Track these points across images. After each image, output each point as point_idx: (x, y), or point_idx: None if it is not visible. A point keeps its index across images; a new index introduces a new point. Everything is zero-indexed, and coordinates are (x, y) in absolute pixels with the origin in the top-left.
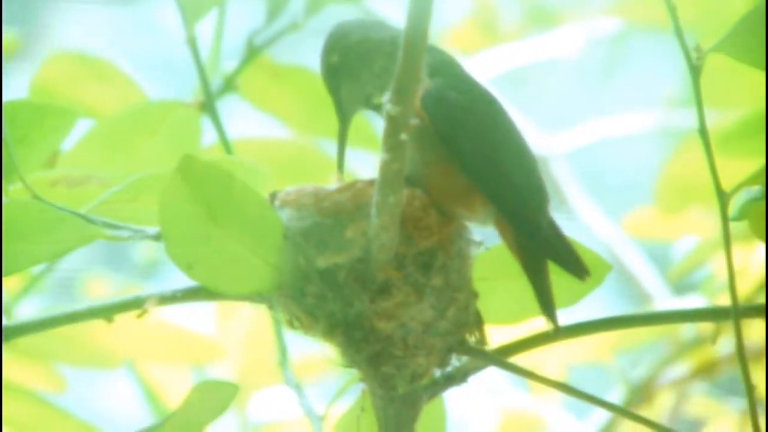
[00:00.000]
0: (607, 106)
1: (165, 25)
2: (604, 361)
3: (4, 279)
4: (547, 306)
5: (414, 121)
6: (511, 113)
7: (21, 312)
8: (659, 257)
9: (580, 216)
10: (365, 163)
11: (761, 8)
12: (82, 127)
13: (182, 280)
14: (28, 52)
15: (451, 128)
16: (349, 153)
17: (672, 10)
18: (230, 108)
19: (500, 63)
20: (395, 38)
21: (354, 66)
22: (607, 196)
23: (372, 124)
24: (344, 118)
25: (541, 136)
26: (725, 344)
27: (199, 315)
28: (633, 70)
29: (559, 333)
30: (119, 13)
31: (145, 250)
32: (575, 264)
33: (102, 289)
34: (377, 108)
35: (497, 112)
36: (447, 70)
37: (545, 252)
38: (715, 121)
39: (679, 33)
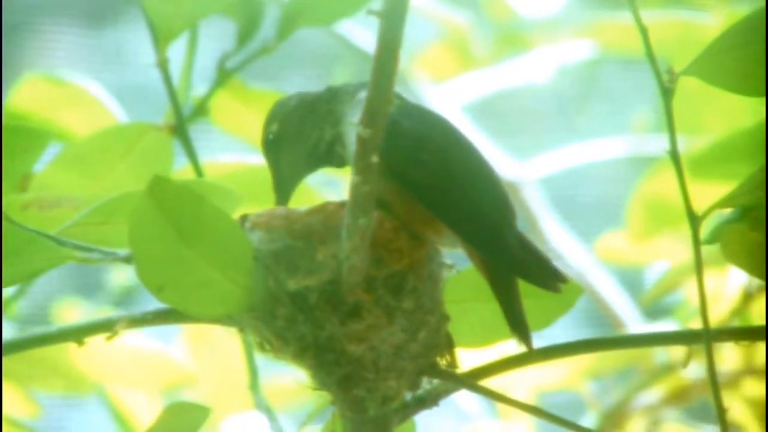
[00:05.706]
0: (579, 132)
1: (137, 49)
2: (575, 387)
3: None
4: (519, 327)
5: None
6: (476, 138)
7: None
8: (631, 282)
9: (551, 241)
10: (335, 187)
11: (732, 31)
12: (54, 151)
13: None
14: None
15: (403, 163)
16: (321, 176)
17: (644, 33)
18: (203, 132)
19: (472, 89)
20: (331, 87)
21: (294, 129)
22: (578, 222)
23: None
24: (284, 195)
25: (512, 162)
26: (697, 370)
27: (170, 339)
28: (605, 97)
29: (533, 354)
30: (91, 37)
31: (119, 277)
32: (548, 275)
33: (74, 316)
34: (328, 153)
35: (452, 133)
36: (406, 102)
37: (514, 270)
38: (687, 146)
39: (650, 55)
